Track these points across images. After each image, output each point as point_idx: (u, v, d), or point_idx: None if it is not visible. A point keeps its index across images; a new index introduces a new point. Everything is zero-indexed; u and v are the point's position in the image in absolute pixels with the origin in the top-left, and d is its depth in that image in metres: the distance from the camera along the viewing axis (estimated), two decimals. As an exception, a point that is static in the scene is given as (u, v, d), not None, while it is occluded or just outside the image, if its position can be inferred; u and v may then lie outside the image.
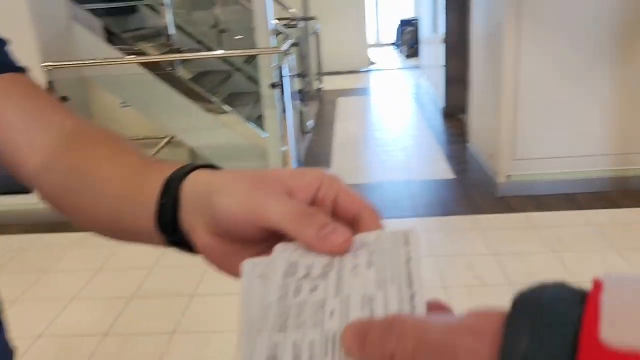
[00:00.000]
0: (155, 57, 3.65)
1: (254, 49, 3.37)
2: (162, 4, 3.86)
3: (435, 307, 0.30)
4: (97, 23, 3.65)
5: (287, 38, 4.00)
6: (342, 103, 6.55)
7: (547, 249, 2.66)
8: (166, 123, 3.62)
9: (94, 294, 2.57)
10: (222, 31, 4.89)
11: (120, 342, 2.20)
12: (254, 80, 4.47)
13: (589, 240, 2.73)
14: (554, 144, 3.23)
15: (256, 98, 3.98)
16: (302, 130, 5.21)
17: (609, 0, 2.97)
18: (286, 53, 3.69)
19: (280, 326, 0.30)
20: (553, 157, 3.24)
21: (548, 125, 3.20)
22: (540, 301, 0.24)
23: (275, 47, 3.29)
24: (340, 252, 0.33)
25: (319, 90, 6.93)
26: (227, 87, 4.70)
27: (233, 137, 3.63)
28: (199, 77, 4.44)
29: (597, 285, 0.24)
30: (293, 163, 3.42)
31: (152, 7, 4.58)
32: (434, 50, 5.91)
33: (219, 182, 0.37)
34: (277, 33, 4.27)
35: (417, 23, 9.53)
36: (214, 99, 3.83)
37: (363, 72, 8.84)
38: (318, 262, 0.33)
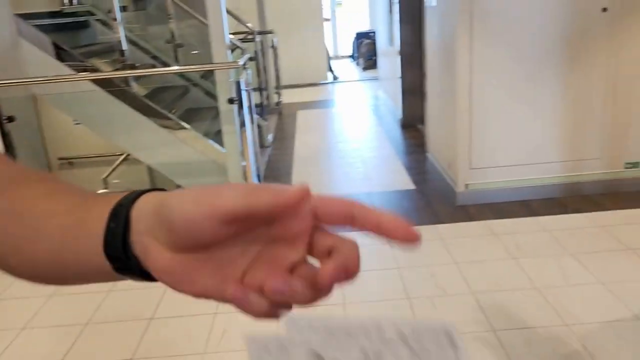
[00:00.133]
0: (107, 74, 3.56)
1: (210, 63, 3.32)
2: (114, 19, 3.77)
3: None
4: (46, 39, 3.54)
5: (244, 52, 3.98)
6: (302, 116, 6.55)
7: (506, 256, 2.71)
8: (121, 141, 3.53)
9: (46, 322, 2.46)
10: (178, 46, 4.82)
11: (75, 371, 2.11)
12: (212, 95, 4.42)
13: (545, 246, 2.79)
14: (508, 152, 3.30)
15: (214, 113, 3.93)
16: (262, 144, 5.17)
17: (553, 14, 3.07)
18: (244, 67, 3.67)
19: None
20: (508, 165, 3.32)
21: (501, 135, 3.27)
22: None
23: (232, 62, 3.25)
24: (304, 195, 0.33)
25: (278, 103, 6.92)
26: (184, 102, 4.63)
27: (191, 153, 3.56)
28: (154, 93, 4.36)
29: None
30: (253, 177, 3.39)
31: (104, 22, 4.48)
32: (390, 62, 5.99)
33: (170, 194, 0.36)
34: (234, 47, 4.24)
35: (373, 35, 9.67)
36: (171, 115, 3.76)
37: (322, 84, 8.88)
38: (347, 355, 0.29)
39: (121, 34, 3.68)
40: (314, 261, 0.35)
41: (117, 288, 2.70)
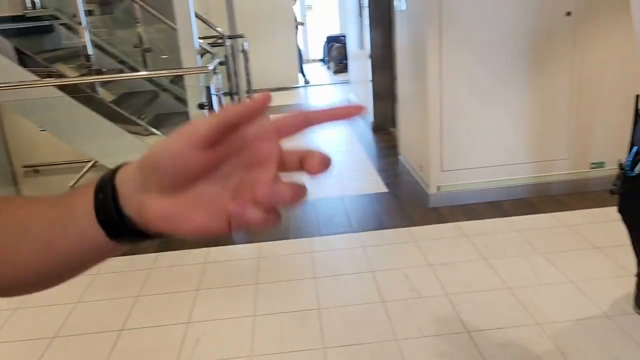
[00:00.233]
0: (73, 79, 3.47)
1: (179, 68, 3.27)
2: (80, 23, 3.68)
3: None
4: (8, 44, 3.43)
5: (214, 56, 3.93)
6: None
7: (478, 257, 2.74)
8: (87, 148, 3.44)
9: (12, 336, 2.37)
10: (146, 50, 4.74)
11: (43, 386, 2.04)
12: (182, 100, 4.35)
13: (516, 246, 2.83)
14: (479, 154, 3.34)
15: (184, 118, 3.87)
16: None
17: (519, 18, 3.13)
18: (214, 72, 3.62)
19: None
20: (478, 167, 3.36)
21: (472, 137, 3.31)
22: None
23: (202, 67, 3.21)
24: (266, 98, 0.38)
25: (249, 107, 6.86)
26: (153, 107, 4.55)
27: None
28: (122, 99, 4.27)
29: None
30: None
31: (68, 27, 4.38)
32: (361, 66, 6.02)
33: (146, 151, 0.38)
34: (204, 52, 4.19)
35: (343, 39, 9.70)
36: (140, 121, 3.69)
37: (293, 88, 8.87)
38: None
39: (86, 38, 3.59)
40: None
41: (85, 299, 2.63)
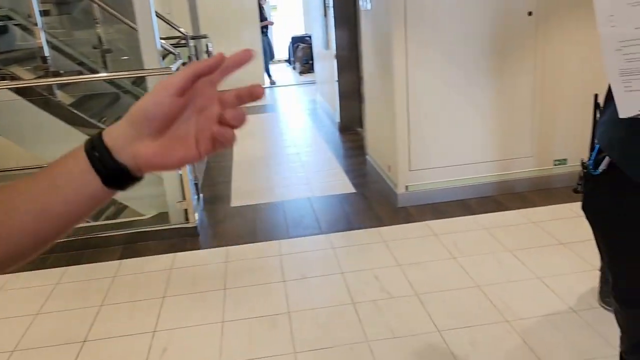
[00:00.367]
0: (29, 82, 3.34)
1: (141, 69, 3.18)
2: (35, 24, 3.55)
3: None
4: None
5: (177, 57, 3.85)
6: (239, 121, 6.43)
7: (447, 255, 2.75)
8: (46, 152, 3.32)
9: (-34, 352, 2.26)
10: (106, 51, 4.61)
11: (0, 404, 1.95)
12: (144, 102, 4.24)
13: (484, 243, 2.85)
14: (446, 153, 3.36)
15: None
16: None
17: (482, 18, 3.16)
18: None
19: None
20: (445, 166, 3.38)
21: (439, 136, 3.33)
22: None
23: (164, 67, 3.14)
24: (222, 56, 0.52)
25: (215, 109, 6.77)
26: (114, 110, 4.43)
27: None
28: (82, 101, 4.15)
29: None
30: (190, 186, 3.28)
31: (24, 27, 4.22)
32: (327, 66, 6.00)
33: (131, 111, 0.49)
34: (167, 53, 4.10)
35: (309, 39, 9.68)
36: (100, 124, 3.58)
37: (258, 89, 8.78)
38: None
39: (42, 39, 3.47)
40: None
41: (45, 310, 2.53)
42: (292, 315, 2.34)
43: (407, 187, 3.38)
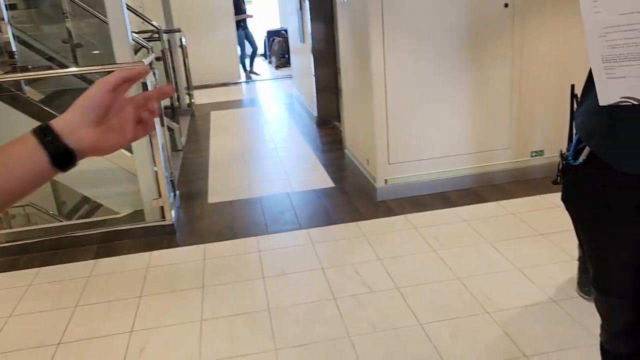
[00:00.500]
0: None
1: (112, 64, 3.10)
2: (1, 18, 3.43)
3: None
4: None
5: (150, 51, 3.77)
6: (216, 117, 6.36)
7: (428, 248, 2.74)
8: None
9: None
10: (77, 46, 4.49)
11: (-30, 412, 1.87)
12: (117, 98, 4.14)
13: (463, 236, 2.85)
14: (424, 146, 3.36)
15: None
16: (175, 148, 4.95)
17: (459, 10, 3.15)
18: (150, 67, 3.46)
19: None
20: (424, 159, 3.37)
21: (417, 129, 3.32)
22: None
23: (136, 61, 3.06)
24: (147, 68, 0.71)
25: (190, 105, 6.68)
26: (86, 106, 4.32)
27: (97, 161, 3.31)
28: (52, 97, 4.03)
29: None
30: (166, 182, 3.21)
31: (-11, 21, 4.08)
32: (303, 60, 5.96)
33: (76, 103, 0.61)
34: (139, 47, 4.01)
35: (284, 33, 9.61)
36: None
37: (234, 84, 8.71)
38: None
39: (9, 34, 3.36)
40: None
41: (18, 313, 2.45)
42: (272, 312, 2.31)
43: (386, 180, 3.37)
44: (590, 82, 1.00)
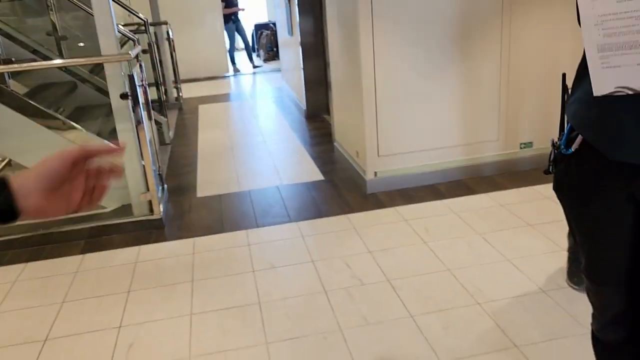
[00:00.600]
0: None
1: (98, 56, 3.05)
2: (-16, 10, 3.37)
3: None
4: None
5: (136, 44, 3.71)
6: (204, 110, 6.31)
7: (418, 240, 2.74)
8: (-1, 144, 3.16)
9: None
10: (62, 38, 4.43)
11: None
12: (104, 92, 4.10)
13: (453, 227, 2.86)
14: (414, 138, 3.35)
15: (107, 110, 3.64)
16: (163, 142, 4.91)
17: (447, 4, 3.15)
18: (137, 60, 3.42)
19: None
20: (414, 151, 3.37)
21: (407, 121, 3.31)
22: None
23: (123, 53, 3.01)
24: (114, 148, 0.68)
25: (178, 98, 6.63)
26: (72, 100, 4.26)
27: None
28: (37, 91, 3.97)
29: None
30: (154, 176, 3.18)
31: (-29, 14, 4.01)
32: (292, 53, 5.92)
33: (35, 167, 0.64)
34: (125, 40, 3.96)
35: (273, 26, 9.55)
36: (57, 114, 3.43)
37: (223, 77, 8.65)
38: None
39: (-8, 25, 3.29)
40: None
41: (3, 309, 2.41)
42: (263, 305, 2.30)
43: (375, 173, 3.36)
44: (583, 70, 0.99)
